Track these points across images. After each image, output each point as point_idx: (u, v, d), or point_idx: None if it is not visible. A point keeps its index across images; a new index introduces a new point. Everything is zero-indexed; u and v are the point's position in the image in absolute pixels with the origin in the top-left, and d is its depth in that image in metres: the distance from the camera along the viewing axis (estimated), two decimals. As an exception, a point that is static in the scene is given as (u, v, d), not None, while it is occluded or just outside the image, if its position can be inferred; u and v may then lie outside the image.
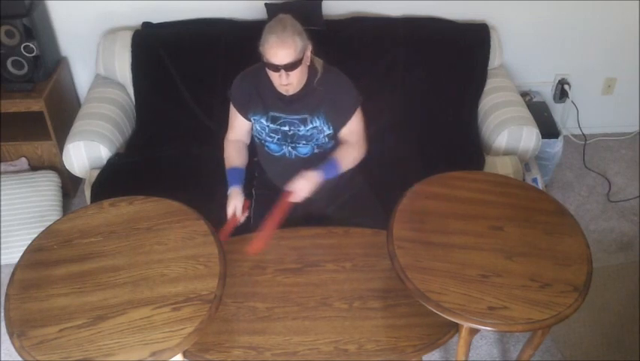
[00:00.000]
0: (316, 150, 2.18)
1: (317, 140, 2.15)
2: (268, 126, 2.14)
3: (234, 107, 2.20)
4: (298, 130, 2.12)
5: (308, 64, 2.03)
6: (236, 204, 2.10)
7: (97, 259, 1.75)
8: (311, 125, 2.11)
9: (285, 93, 2.04)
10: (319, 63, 2.11)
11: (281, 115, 2.11)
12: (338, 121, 2.14)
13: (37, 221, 2.65)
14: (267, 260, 2.01)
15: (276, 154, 2.20)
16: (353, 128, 2.16)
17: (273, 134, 2.16)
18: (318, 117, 2.11)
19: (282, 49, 1.89)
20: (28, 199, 2.71)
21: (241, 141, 2.27)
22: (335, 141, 2.20)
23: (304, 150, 2.17)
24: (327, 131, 2.14)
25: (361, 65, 2.74)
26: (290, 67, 1.93)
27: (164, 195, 1.97)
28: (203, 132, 2.71)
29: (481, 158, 2.55)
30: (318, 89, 2.08)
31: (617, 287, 2.59)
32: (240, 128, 2.24)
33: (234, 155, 2.22)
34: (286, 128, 2.13)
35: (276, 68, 1.93)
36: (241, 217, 2.12)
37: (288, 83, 1.98)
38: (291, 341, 1.78)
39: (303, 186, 2.04)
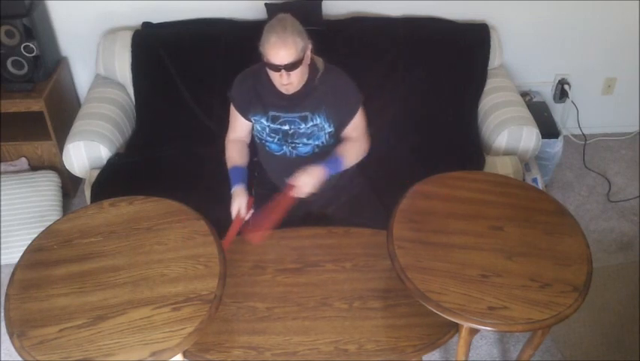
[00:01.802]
0: (317, 150, 2.18)
1: (318, 137, 2.15)
2: (269, 126, 2.14)
3: (235, 107, 2.20)
4: (299, 128, 2.12)
5: (308, 63, 2.03)
6: (240, 203, 2.11)
7: (97, 259, 1.75)
8: (312, 123, 2.11)
9: (285, 92, 2.04)
10: (320, 62, 2.11)
11: (281, 114, 2.11)
12: (341, 120, 2.14)
13: (37, 221, 2.65)
14: (267, 260, 2.01)
15: (277, 153, 2.20)
16: (356, 125, 2.17)
17: (273, 135, 2.16)
18: (319, 115, 2.11)
19: (283, 49, 1.90)
20: (28, 199, 2.71)
21: (242, 141, 2.27)
22: (337, 139, 2.20)
23: (304, 149, 2.17)
24: (329, 129, 2.14)
25: (361, 65, 2.74)
26: (290, 67, 1.93)
27: (164, 195, 1.97)
28: (203, 132, 2.71)
29: (481, 158, 2.55)
30: (320, 87, 2.08)
31: (617, 287, 2.59)
32: (240, 128, 2.24)
33: (236, 154, 2.23)
34: (286, 127, 2.13)
35: (277, 68, 1.94)
36: (246, 216, 2.12)
37: (289, 83, 1.98)
38: (291, 341, 1.78)
39: (306, 182, 2.03)
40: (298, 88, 2.04)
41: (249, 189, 2.21)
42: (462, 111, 2.79)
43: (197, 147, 2.63)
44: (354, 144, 2.17)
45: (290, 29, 1.91)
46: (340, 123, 2.15)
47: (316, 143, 2.16)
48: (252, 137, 2.28)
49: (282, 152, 2.19)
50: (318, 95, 2.09)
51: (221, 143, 2.30)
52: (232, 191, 2.14)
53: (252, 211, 2.14)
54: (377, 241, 2.05)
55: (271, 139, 2.17)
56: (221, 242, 1.83)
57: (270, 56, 1.92)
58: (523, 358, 2.00)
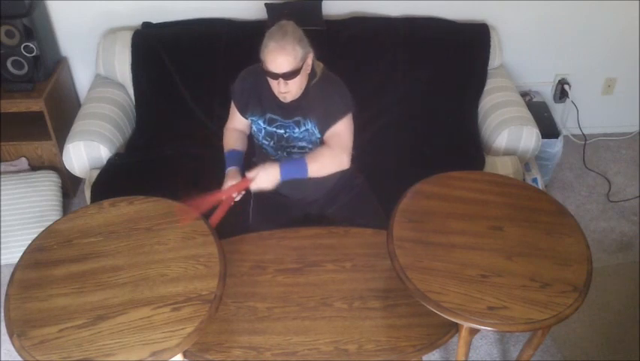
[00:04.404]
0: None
1: (310, 142, 2.13)
2: (265, 128, 2.13)
3: (234, 104, 2.19)
4: (293, 132, 2.10)
5: (308, 72, 1.99)
6: (232, 183, 2.06)
7: (97, 259, 1.75)
8: (304, 128, 2.09)
9: (282, 100, 2.02)
10: (319, 67, 2.07)
11: (277, 118, 2.09)
12: (324, 124, 2.07)
13: (37, 221, 2.65)
14: (267, 260, 2.01)
15: (273, 158, 2.19)
16: (336, 132, 2.06)
17: (268, 138, 2.14)
18: (310, 120, 2.08)
19: (281, 56, 1.85)
20: (28, 199, 2.71)
21: (241, 131, 2.25)
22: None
23: (298, 154, 2.15)
24: (318, 135, 2.10)
25: (361, 65, 2.74)
26: (289, 75, 1.89)
27: (164, 195, 1.97)
28: (203, 132, 2.71)
29: (481, 158, 2.55)
30: (312, 92, 2.04)
31: (617, 287, 2.59)
32: (239, 123, 2.23)
33: (233, 140, 2.20)
34: (282, 131, 2.11)
35: (275, 76, 1.90)
36: (237, 197, 2.07)
37: (286, 92, 1.95)
38: (291, 341, 1.78)
39: (261, 177, 1.98)
40: (296, 96, 2.00)
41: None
42: (462, 111, 2.79)
43: (197, 147, 2.63)
44: (328, 152, 2.06)
45: (290, 37, 1.87)
46: (323, 128, 2.08)
47: (309, 147, 2.13)
48: (251, 136, 2.27)
49: (277, 156, 2.18)
50: (308, 100, 2.05)
51: (222, 143, 2.29)
52: (226, 172, 2.10)
53: (243, 192, 2.09)
54: (377, 241, 2.05)
55: (267, 142, 2.16)
56: (219, 242, 1.83)
57: (268, 62, 1.88)
58: (523, 358, 2.00)
